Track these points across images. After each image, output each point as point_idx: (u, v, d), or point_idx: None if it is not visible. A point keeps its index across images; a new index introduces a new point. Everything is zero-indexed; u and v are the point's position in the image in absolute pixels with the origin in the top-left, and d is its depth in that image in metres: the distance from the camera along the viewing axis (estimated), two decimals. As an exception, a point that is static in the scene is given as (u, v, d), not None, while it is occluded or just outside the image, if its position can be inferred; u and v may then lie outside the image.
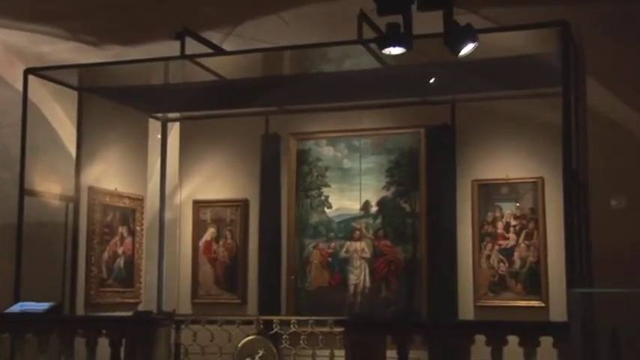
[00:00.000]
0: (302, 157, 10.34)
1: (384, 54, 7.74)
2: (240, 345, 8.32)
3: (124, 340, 7.49)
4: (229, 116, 10.61)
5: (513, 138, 9.67)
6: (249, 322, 9.08)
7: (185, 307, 10.23)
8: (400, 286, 9.80)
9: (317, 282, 10.08)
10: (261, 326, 8.26)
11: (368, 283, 9.92)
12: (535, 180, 9.53)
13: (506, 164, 9.66)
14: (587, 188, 8.25)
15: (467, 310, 9.54)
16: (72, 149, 9.63)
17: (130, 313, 9.41)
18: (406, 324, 7.36)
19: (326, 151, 10.28)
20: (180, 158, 10.86)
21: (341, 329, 7.40)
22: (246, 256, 10.38)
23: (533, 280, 9.41)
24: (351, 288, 9.97)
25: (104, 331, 7.60)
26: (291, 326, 8.20)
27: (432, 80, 9.14)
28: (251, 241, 10.40)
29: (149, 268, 10.54)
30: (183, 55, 8.34)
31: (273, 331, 8.19)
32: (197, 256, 10.51)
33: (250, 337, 8.20)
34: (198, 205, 10.62)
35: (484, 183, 9.72)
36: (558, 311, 8.97)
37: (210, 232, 10.49)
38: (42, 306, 7.93)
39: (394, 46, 7.47)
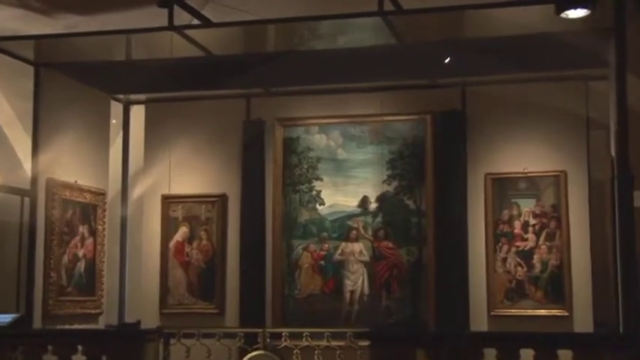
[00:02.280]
0: (290, 146, 10.15)
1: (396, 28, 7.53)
2: None
3: (104, 358, 7.06)
4: (205, 98, 10.42)
5: (532, 126, 9.63)
6: (232, 336, 8.67)
7: (152, 319, 9.92)
8: (403, 294, 9.71)
9: (307, 289, 9.93)
10: (268, 340, 7.98)
11: (366, 290, 9.80)
12: (557, 174, 9.50)
13: (524, 156, 9.61)
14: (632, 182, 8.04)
15: (480, 321, 9.49)
16: (27, 135, 9.03)
17: (93, 326, 9.27)
18: (442, 337, 6.99)
19: (317, 140, 10.10)
20: (146, 147, 10.56)
21: (362, 342, 7.26)
22: (225, 260, 10.17)
23: (555, 286, 9.39)
24: (347, 296, 9.83)
25: (80, 347, 7.14)
26: (304, 339, 7.97)
27: (447, 60, 8.93)
28: (230, 243, 10.19)
29: (111, 273, 10.22)
30: (171, 27, 7.85)
31: (282, 345, 7.94)
32: (166, 260, 10.26)
33: (256, 353, 7.96)
34: (168, 200, 10.34)
35: (499, 177, 9.64)
36: (583, 321, 9.16)
37: (182, 232, 10.25)
38: (3, 318, 7.37)
39: (575, 7, 7.18)
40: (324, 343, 7.89)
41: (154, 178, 10.42)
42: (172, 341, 8.12)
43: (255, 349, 7.94)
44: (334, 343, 7.85)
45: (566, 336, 7.76)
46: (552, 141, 9.53)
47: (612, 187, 8.74)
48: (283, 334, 7.98)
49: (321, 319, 9.56)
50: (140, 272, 10.37)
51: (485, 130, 9.72)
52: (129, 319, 10.28)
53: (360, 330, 7.67)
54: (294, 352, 7.86)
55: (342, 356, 7.82)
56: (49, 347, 7.23)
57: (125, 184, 10.67)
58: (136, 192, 10.63)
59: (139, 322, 10.08)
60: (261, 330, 8.11)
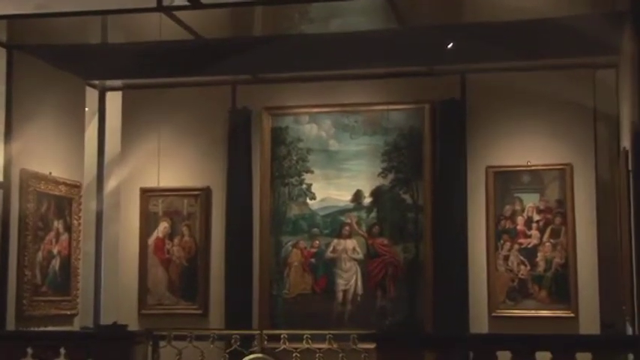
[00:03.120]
0: (278, 136, 10.04)
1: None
2: None
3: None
4: (187, 85, 10.26)
5: (536, 117, 9.56)
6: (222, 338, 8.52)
7: (130, 320, 9.59)
8: (399, 294, 9.63)
9: (297, 288, 9.84)
10: (265, 342, 7.81)
11: (360, 290, 9.71)
12: (562, 167, 9.44)
13: (527, 148, 9.54)
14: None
15: (480, 322, 9.43)
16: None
17: (69, 328, 9.07)
18: (454, 340, 6.89)
19: (308, 130, 10.00)
20: (123, 137, 10.40)
21: (368, 345, 7.10)
22: (208, 257, 10.04)
23: (560, 286, 9.32)
24: (340, 295, 9.75)
25: (63, 350, 6.97)
26: (304, 342, 7.79)
27: (449, 46, 8.83)
28: (214, 239, 10.06)
29: (86, 272, 9.96)
30: (160, 7, 7.67)
31: (281, 348, 7.76)
32: (146, 257, 10.10)
33: (253, 356, 7.80)
34: (148, 194, 10.18)
35: (501, 170, 9.57)
36: (590, 322, 9.14)
37: (162, 228, 10.11)
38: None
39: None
40: (325, 345, 7.71)
41: (132, 170, 10.26)
42: (162, 344, 7.91)
43: (252, 352, 7.79)
44: (337, 346, 7.69)
45: (584, 338, 7.68)
46: (557, 132, 9.46)
47: (620, 181, 8.71)
48: (282, 336, 7.80)
49: (312, 321, 9.47)
50: (117, 271, 10.20)
51: (486, 120, 9.64)
52: (105, 320, 10.05)
53: (365, 332, 7.56)
54: (294, 355, 7.69)
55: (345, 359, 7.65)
56: (29, 350, 7.03)
57: (101, 176, 10.47)
58: (112, 185, 10.44)
59: (116, 325, 9.51)
60: (258, 332, 7.96)
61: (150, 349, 7.65)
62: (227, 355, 8.14)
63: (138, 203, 10.15)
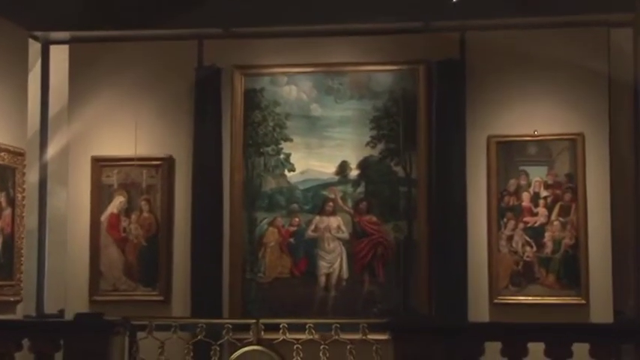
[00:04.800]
0: (252, 99, 9.84)
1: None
2: (233, 359, 7.59)
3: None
4: (146, 39, 10.01)
5: (544, 80, 9.48)
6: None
7: (79, 308, 9.23)
8: (390, 278, 9.51)
9: (274, 271, 9.67)
10: (262, 332, 7.51)
11: (345, 274, 9.58)
12: (573, 137, 9.39)
13: (534, 115, 9.46)
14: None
15: (480, 309, 9.35)
16: None
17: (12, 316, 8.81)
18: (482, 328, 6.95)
19: (287, 92, 9.82)
20: (71, 98, 10.02)
21: (380, 336, 6.99)
22: (171, 236, 9.81)
23: (570, 270, 9.27)
24: (322, 279, 9.60)
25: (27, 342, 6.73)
26: (307, 332, 7.53)
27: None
28: (178, 216, 9.83)
29: (29, 252, 9.65)
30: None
31: (280, 339, 7.51)
32: (98, 236, 9.82)
33: (249, 348, 7.51)
34: (100, 163, 9.89)
35: (504, 140, 9.50)
36: (602, 310, 9.10)
37: (117, 202, 9.82)
38: None
39: None
40: (355, 336, 7.48)
41: (82, 135, 9.91)
42: (141, 335, 7.58)
43: (248, 344, 7.50)
44: (344, 337, 7.45)
45: (596, 327, 7.63)
46: (567, 98, 9.39)
47: (637, 153, 8.64)
48: (281, 325, 7.54)
49: (291, 308, 9.37)
50: (64, 251, 9.85)
51: (488, 84, 9.53)
52: (49, 308, 9.83)
53: (377, 320, 7.42)
54: (295, 347, 7.43)
55: (354, 352, 7.40)
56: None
57: (44, 142, 10.10)
58: (58, 152, 10.08)
59: (61, 312, 9.62)
60: (254, 321, 7.63)
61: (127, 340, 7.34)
62: (191, 346, 7.73)
63: (89, 174, 9.84)
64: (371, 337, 7.39)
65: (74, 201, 9.86)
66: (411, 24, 9.65)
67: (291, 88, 9.77)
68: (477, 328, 7.16)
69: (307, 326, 7.48)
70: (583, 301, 9.12)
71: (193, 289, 9.57)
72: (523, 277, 9.29)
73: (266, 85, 9.77)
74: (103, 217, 9.74)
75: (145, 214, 9.73)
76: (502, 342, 6.53)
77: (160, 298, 9.61)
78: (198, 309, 9.42)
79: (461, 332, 6.71)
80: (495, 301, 9.27)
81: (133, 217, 9.73)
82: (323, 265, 9.56)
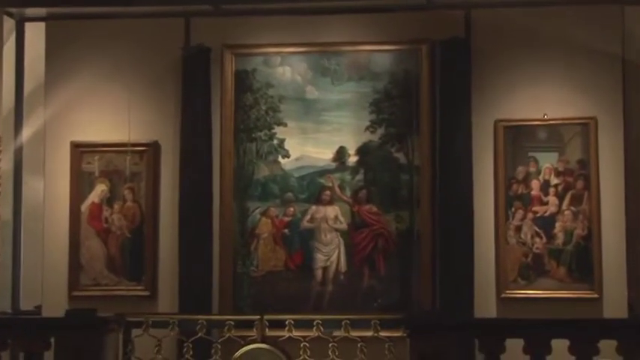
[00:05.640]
0: (244, 81, 9.78)
1: None
2: (237, 357, 7.50)
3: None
4: (130, 16, 9.91)
5: (554, 62, 9.47)
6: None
7: (58, 304, 9.24)
8: (391, 271, 9.47)
9: (267, 264, 9.63)
10: (266, 329, 7.47)
11: (343, 267, 9.54)
12: (585, 121, 9.37)
13: (543, 99, 9.42)
14: None
15: (487, 304, 9.32)
16: None
17: None
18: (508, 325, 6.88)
19: (280, 74, 9.77)
20: (48, 79, 9.94)
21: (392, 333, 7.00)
22: (156, 228, 9.77)
23: (582, 262, 9.24)
24: (319, 273, 9.56)
25: (9, 342, 6.69)
26: (315, 329, 7.47)
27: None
28: (164, 205, 9.78)
29: (5, 245, 9.64)
30: None
31: (286, 337, 7.46)
32: (78, 227, 9.76)
33: (254, 346, 7.45)
34: (81, 149, 9.82)
35: (512, 125, 9.48)
36: (615, 304, 9.09)
37: (99, 191, 9.76)
38: None
39: None
40: (341, 333, 7.41)
41: (60, 119, 9.84)
42: (136, 332, 7.52)
43: (252, 342, 7.43)
44: (354, 334, 7.39)
45: (609, 323, 7.57)
46: (579, 80, 9.38)
47: None
48: (287, 322, 7.48)
49: (285, 303, 9.34)
50: (41, 244, 9.77)
51: (495, 64, 9.50)
52: (26, 304, 9.70)
53: (392, 316, 7.43)
54: (302, 344, 7.37)
55: (365, 350, 7.34)
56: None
57: (19, 126, 9.99)
58: (34, 137, 9.98)
59: (38, 308, 9.50)
60: (258, 317, 7.56)
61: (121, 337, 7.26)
62: (190, 345, 7.72)
63: (68, 160, 9.76)
64: (382, 334, 7.34)
65: (52, 189, 9.79)
66: (413, 0, 9.61)
67: (285, 69, 9.74)
68: (498, 324, 7.10)
69: (315, 322, 7.43)
70: (596, 295, 9.11)
71: (181, 284, 9.53)
72: (532, 269, 9.26)
73: (258, 65, 9.73)
74: (84, 207, 9.69)
75: (129, 204, 9.70)
76: (524, 339, 6.48)
77: (146, 293, 9.57)
78: (186, 304, 9.40)
79: (481, 329, 6.68)
80: (503, 295, 9.26)
81: (116, 206, 9.70)
82: (320, 258, 9.54)
